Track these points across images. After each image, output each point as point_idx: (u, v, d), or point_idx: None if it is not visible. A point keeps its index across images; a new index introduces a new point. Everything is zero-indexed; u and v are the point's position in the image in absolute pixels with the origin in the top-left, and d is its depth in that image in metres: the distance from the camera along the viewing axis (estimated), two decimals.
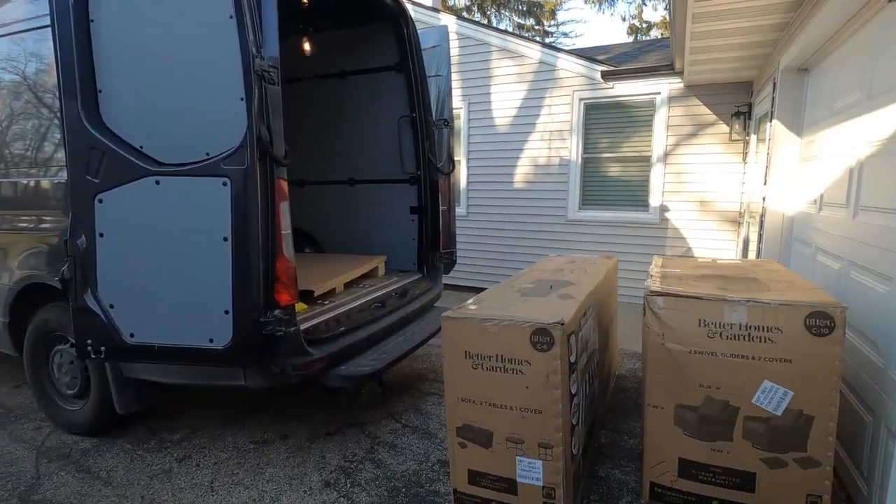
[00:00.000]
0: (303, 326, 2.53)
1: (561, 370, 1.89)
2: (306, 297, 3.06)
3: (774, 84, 3.83)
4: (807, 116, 3.54)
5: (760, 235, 4.08)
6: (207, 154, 2.12)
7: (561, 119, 6.17)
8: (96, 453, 2.73)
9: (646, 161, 5.85)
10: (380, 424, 3.03)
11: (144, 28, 2.17)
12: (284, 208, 2.22)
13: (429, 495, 2.33)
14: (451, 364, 2.10)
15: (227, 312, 2.13)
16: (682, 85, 5.49)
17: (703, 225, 5.61)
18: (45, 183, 2.86)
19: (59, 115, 2.46)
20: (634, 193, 5.97)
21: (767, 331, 1.90)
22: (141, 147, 2.19)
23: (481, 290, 2.62)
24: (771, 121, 3.89)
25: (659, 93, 5.65)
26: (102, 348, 2.31)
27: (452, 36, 6.46)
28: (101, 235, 2.24)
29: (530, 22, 19.84)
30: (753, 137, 4.98)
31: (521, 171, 6.49)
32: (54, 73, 2.36)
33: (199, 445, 2.80)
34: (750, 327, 1.93)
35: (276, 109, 2.16)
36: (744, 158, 5.31)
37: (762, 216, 4.02)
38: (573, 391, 2.03)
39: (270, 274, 2.18)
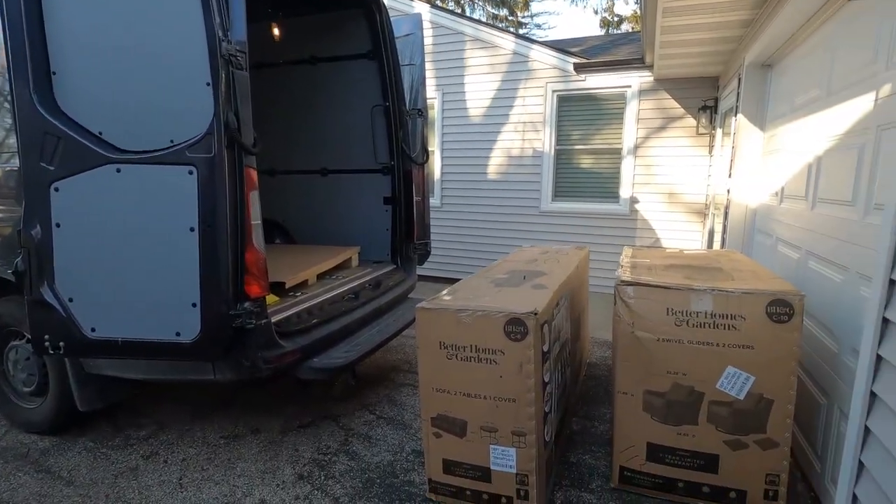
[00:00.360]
0: (274, 319, 2.48)
1: (534, 359, 1.91)
2: (277, 288, 3.00)
3: (739, 79, 3.94)
4: (770, 111, 3.66)
5: (725, 226, 4.21)
6: (172, 141, 2.04)
7: (534, 110, 6.21)
8: (57, 452, 2.63)
9: (617, 153, 5.95)
10: (354, 416, 3.02)
11: (103, 6, 2.06)
12: (254, 198, 2.17)
13: (403, 485, 2.34)
14: (425, 355, 2.10)
15: (194, 305, 2.06)
16: (652, 79, 5.60)
17: (671, 216, 5.76)
18: None
19: (9, 98, 2.32)
20: (606, 185, 6.07)
21: (731, 318, 1.97)
22: (100, 133, 2.09)
23: (456, 280, 2.62)
24: (736, 115, 4.00)
25: (630, 86, 5.74)
26: (61, 344, 2.22)
27: (426, 25, 6.38)
28: (58, 226, 2.14)
29: (504, 13, 19.83)
30: (719, 131, 5.13)
31: (496, 163, 6.51)
32: (2, 53, 2.22)
33: (166, 442, 2.73)
34: (715, 315, 1.99)
35: (245, 96, 2.09)
36: (710, 152, 5.46)
37: (727, 208, 4.15)
38: (546, 380, 2.07)
39: (240, 265, 2.13)
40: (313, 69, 4.15)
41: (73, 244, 2.14)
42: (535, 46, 6.20)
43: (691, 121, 5.52)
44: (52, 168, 2.11)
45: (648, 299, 2.09)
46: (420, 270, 4.16)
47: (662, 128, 5.68)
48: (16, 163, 2.36)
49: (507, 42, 6.29)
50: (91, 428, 2.85)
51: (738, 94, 3.94)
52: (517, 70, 6.25)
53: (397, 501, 2.22)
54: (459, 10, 17.89)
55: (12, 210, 2.51)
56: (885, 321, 1.38)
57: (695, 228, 5.67)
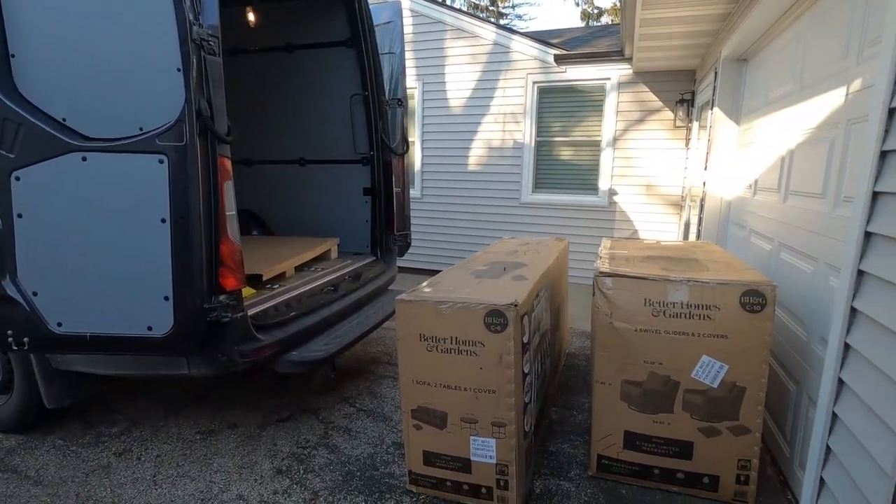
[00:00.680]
0: (250, 312, 2.43)
1: (514, 350, 1.92)
2: (254, 281, 2.94)
3: (716, 73, 4.00)
4: (745, 105, 3.72)
5: (700, 218, 4.29)
6: (141, 129, 1.97)
7: (515, 102, 6.20)
8: (23, 451, 2.54)
9: (596, 145, 5.99)
10: (333, 409, 2.99)
11: None
12: (228, 188, 2.11)
13: (384, 477, 2.33)
14: (405, 347, 2.08)
15: (167, 299, 2.00)
16: (631, 71, 5.64)
17: (649, 208, 5.84)
18: None
19: None
20: (585, 177, 6.12)
21: (706, 308, 2.01)
22: (64, 120, 2.00)
23: (436, 272, 2.61)
24: (712, 108, 4.06)
25: (609, 78, 5.78)
26: (25, 339, 2.13)
27: (406, 13, 6.30)
28: (20, 216, 2.04)
29: (485, 2, 19.73)
30: (696, 124, 5.20)
31: (476, 154, 6.49)
32: None
33: (140, 438, 2.67)
34: (691, 305, 2.03)
35: (218, 82, 2.02)
36: (686, 144, 5.55)
37: (702, 200, 4.23)
38: (526, 371, 2.08)
39: (214, 258, 2.07)
40: (290, 56, 4.05)
41: (36, 236, 2.05)
42: (515, 37, 6.18)
43: (669, 114, 5.59)
44: (11, 156, 2.01)
45: (626, 290, 2.12)
46: (400, 262, 4.13)
47: (641, 120, 5.74)
48: None
49: (488, 32, 6.25)
50: (60, 425, 2.76)
51: (715, 87, 4.00)
52: (498, 61, 6.22)
53: (377, 494, 2.21)
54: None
55: None
56: (853, 311, 1.42)
57: (671, 220, 5.77)
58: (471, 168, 6.54)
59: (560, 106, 6.12)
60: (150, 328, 2.05)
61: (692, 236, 4.85)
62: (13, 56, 2.01)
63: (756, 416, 2.00)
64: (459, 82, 6.44)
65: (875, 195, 1.37)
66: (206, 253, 2.03)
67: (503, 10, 20.35)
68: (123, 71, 1.98)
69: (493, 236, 6.33)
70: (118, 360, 2.35)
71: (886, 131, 1.34)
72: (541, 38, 6.48)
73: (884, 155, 1.35)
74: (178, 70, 1.91)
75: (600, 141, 5.95)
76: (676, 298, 2.04)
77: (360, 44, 3.65)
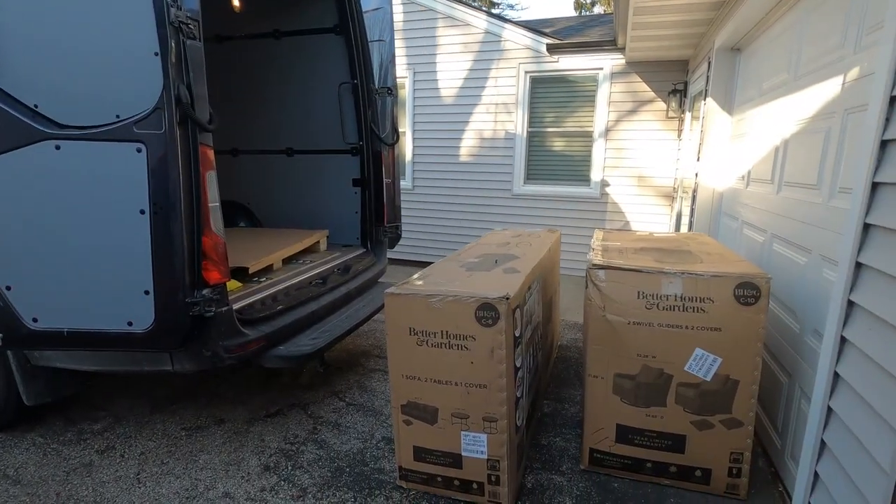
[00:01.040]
0: (236, 306, 2.37)
1: (506, 345, 1.88)
2: (240, 274, 2.88)
3: (709, 63, 3.95)
4: (738, 95, 3.69)
5: (692, 210, 4.27)
6: (118, 116, 1.89)
7: (507, 92, 6.13)
8: (2, 450, 2.46)
9: (588, 136, 5.95)
10: (323, 404, 2.95)
11: None
12: (211, 178, 2.03)
13: (373, 473, 2.30)
14: (394, 341, 2.04)
15: (147, 293, 1.94)
16: (623, 61, 5.58)
17: (641, 200, 5.83)
18: None
19: None
20: (577, 168, 6.08)
21: (700, 301, 1.98)
22: (36, 106, 1.91)
23: (428, 264, 2.56)
24: (705, 99, 4.03)
25: (602, 68, 5.72)
26: (0, 335, 2.06)
27: (396, 0, 6.18)
28: None
29: None
30: (688, 115, 5.17)
31: (468, 144, 6.42)
32: None
33: (123, 435, 2.60)
34: (684, 298, 2.00)
35: (198, 68, 1.94)
36: (679, 135, 5.52)
37: (695, 191, 4.20)
38: (518, 365, 2.04)
39: (197, 250, 2.01)
40: (277, 44, 3.95)
41: (8, 228, 1.97)
42: (507, 26, 6.09)
43: (661, 104, 5.56)
44: None
45: (620, 283, 2.08)
46: (391, 254, 4.08)
47: (633, 111, 5.70)
48: None
49: (479, 21, 6.15)
50: (41, 422, 2.69)
51: (708, 77, 3.96)
52: (490, 50, 6.13)
53: (367, 490, 2.18)
54: None
55: None
56: (851, 304, 1.40)
57: (663, 212, 5.76)
58: (462, 159, 6.47)
59: (552, 96, 6.06)
60: (130, 323, 1.98)
61: (684, 228, 4.83)
62: None
63: (749, 409, 1.99)
64: (451, 72, 6.34)
65: (875, 186, 1.34)
66: (187, 245, 1.96)
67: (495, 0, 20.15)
68: (98, 55, 1.89)
69: (484, 228, 6.29)
70: (99, 356, 2.28)
71: (887, 120, 1.30)
72: (533, 27, 6.40)
73: (884, 144, 1.32)
74: (156, 54, 1.82)
75: (592, 132, 5.90)
76: (670, 291, 2.01)
77: (348, 31, 3.56)
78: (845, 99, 1.91)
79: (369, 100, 3.63)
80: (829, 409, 1.47)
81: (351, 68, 3.64)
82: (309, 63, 3.87)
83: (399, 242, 4.04)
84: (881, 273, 1.29)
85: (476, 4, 17.96)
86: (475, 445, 2.01)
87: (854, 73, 1.85)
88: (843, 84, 1.94)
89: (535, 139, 6.18)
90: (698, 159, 4.14)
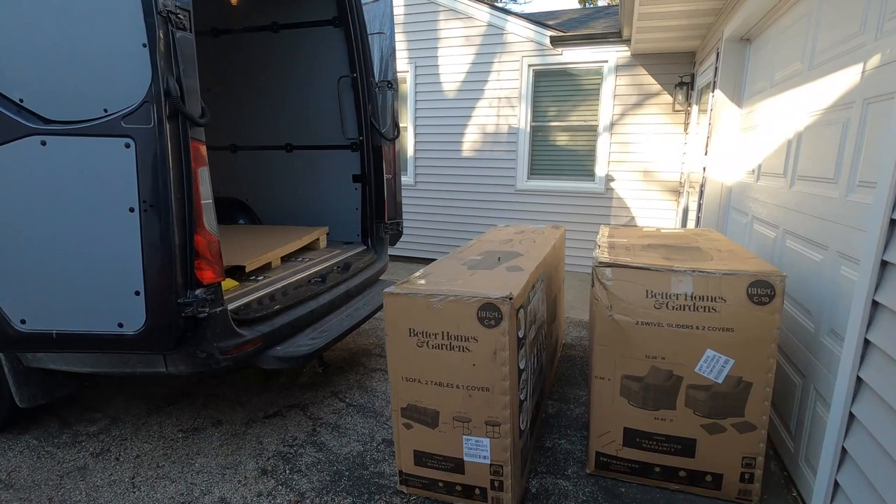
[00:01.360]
0: (232, 306, 2.31)
1: (509, 346, 1.81)
2: (237, 272, 2.81)
3: (718, 54, 3.85)
4: (747, 87, 3.59)
5: (700, 205, 4.18)
6: (105, 110, 1.82)
7: (510, 86, 6.03)
8: None
9: (592, 130, 5.85)
10: (322, 404, 2.89)
11: None
12: (203, 175, 1.96)
13: (373, 477, 2.23)
14: (394, 343, 1.97)
15: (137, 294, 1.88)
16: (628, 54, 5.48)
17: (647, 195, 5.73)
18: None
19: None
20: (581, 163, 5.98)
21: (712, 300, 1.90)
22: (21, 101, 1.85)
23: (430, 261, 2.49)
24: (713, 91, 3.93)
25: (606, 61, 5.61)
26: None
27: None
28: None
29: None
30: (695, 108, 5.07)
31: (470, 139, 6.33)
32: None
33: (119, 437, 2.55)
34: (695, 297, 1.92)
35: (190, 60, 1.87)
36: (685, 129, 5.42)
37: (702, 186, 4.11)
38: (521, 366, 1.97)
39: (189, 249, 1.94)
40: (275, 37, 3.87)
41: None
42: (510, 18, 5.99)
43: (667, 97, 5.45)
44: None
45: (628, 281, 2.01)
46: (392, 251, 4.02)
47: (638, 104, 5.60)
48: None
49: (482, 13, 6.05)
50: (35, 424, 2.65)
51: (716, 69, 3.86)
52: (493, 43, 6.03)
53: (367, 495, 2.12)
54: None
55: None
56: (875, 304, 1.32)
57: (669, 207, 5.66)
58: (465, 154, 6.38)
59: (556, 90, 5.96)
60: (120, 325, 1.92)
61: (691, 223, 4.74)
62: None
63: (762, 413, 1.91)
64: (453, 65, 6.25)
65: None
66: (179, 244, 1.90)
67: None
68: (85, 47, 1.82)
69: (487, 224, 6.21)
70: (92, 358, 2.22)
71: None
72: (537, 19, 6.29)
73: None
74: (144, 46, 1.75)
75: (597, 126, 5.80)
76: (680, 290, 1.93)
77: (348, 23, 3.48)
78: (865, 88, 1.82)
79: (369, 94, 3.55)
80: (851, 416, 1.39)
81: (350, 62, 3.56)
82: (308, 57, 3.79)
83: (400, 239, 3.97)
84: None
85: None
86: (477, 450, 1.94)
87: (875, 60, 1.76)
88: (863, 72, 1.85)
89: (539, 134, 6.09)
90: (706, 153, 4.04)
